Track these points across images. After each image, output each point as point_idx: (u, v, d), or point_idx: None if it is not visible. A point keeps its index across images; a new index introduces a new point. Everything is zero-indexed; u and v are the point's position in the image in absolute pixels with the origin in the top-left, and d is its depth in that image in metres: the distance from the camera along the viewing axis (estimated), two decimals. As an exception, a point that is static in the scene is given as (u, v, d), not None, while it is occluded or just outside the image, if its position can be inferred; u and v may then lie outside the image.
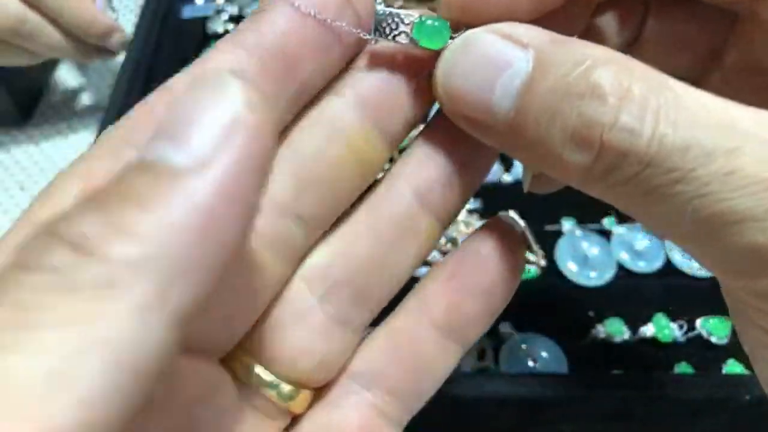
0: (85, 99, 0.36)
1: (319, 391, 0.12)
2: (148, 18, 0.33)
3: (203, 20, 0.36)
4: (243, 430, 0.11)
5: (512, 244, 0.12)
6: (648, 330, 0.25)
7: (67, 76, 0.37)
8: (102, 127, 0.28)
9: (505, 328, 0.26)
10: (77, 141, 0.34)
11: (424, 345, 0.12)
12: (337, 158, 0.11)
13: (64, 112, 0.36)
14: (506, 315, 0.26)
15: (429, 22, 0.11)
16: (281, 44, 0.10)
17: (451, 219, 0.12)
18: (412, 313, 0.12)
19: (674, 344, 0.25)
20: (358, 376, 0.12)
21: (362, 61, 0.11)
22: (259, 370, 0.11)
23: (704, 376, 0.23)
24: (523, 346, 0.25)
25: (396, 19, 0.11)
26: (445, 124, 0.11)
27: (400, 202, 0.12)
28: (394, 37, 0.11)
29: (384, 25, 0.11)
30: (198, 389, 0.11)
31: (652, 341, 0.25)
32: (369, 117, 0.11)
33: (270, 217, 0.11)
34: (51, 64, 0.37)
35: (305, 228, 0.11)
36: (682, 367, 0.25)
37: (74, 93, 0.37)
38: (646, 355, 0.25)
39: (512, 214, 0.11)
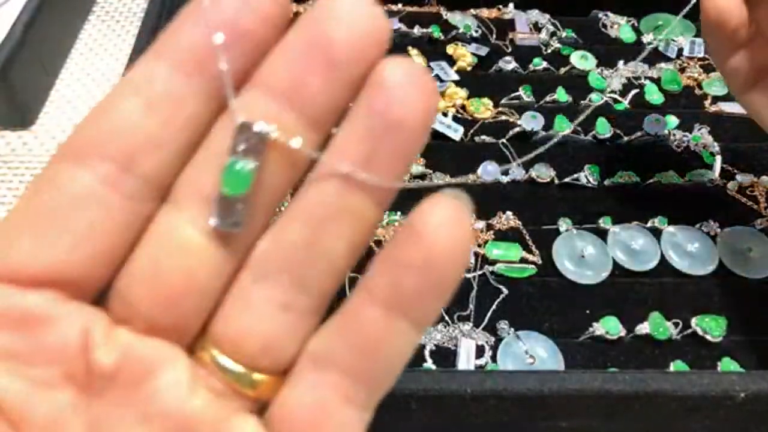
0: (90, 101, 0.37)
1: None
2: (150, 20, 0.33)
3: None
4: (204, 406, 0.12)
5: (452, 214, 0.11)
6: (643, 328, 0.26)
7: (71, 77, 0.38)
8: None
9: (503, 326, 0.26)
10: (81, 142, 0.35)
11: (371, 325, 0.11)
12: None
13: (69, 113, 0.36)
14: (504, 313, 0.26)
15: (238, 165, 0.11)
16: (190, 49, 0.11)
17: (386, 197, 0.12)
18: (359, 295, 0.12)
19: (669, 342, 0.26)
20: (311, 360, 0.12)
21: None
22: (214, 352, 0.12)
23: (699, 373, 0.23)
24: (520, 344, 0.25)
25: (250, 133, 0.11)
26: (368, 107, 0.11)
27: (327, 184, 0.11)
28: (252, 153, 0.11)
29: (242, 140, 0.11)
30: (153, 362, 0.12)
31: (648, 339, 0.26)
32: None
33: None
34: (55, 66, 0.38)
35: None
36: (678, 365, 0.25)
37: (79, 95, 0.37)
38: (641, 353, 0.26)
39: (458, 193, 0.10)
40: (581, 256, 0.28)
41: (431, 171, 0.31)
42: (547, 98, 0.34)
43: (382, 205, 0.12)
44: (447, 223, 0.11)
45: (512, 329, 0.26)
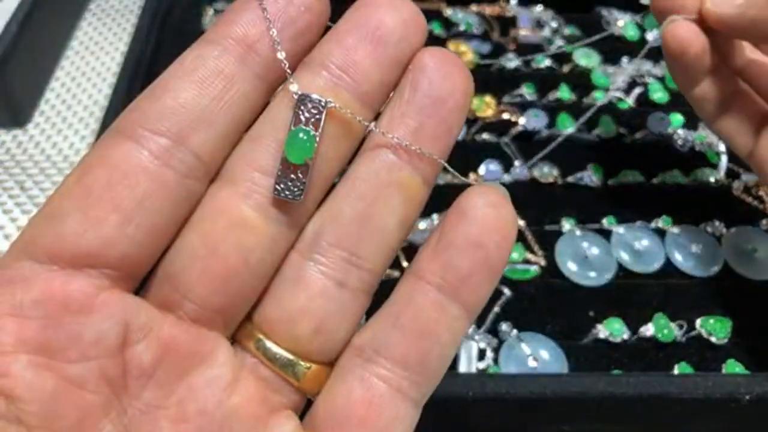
0: (86, 100, 0.36)
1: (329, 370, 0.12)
2: (147, 18, 0.33)
3: (201, 20, 0.36)
4: (243, 403, 0.12)
5: (496, 199, 0.12)
6: (648, 330, 0.25)
7: (66, 77, 0.37)
8: (102, 128, 0.28)
9: (505, 328, 0.26)
10: (77, 141, 0.34)
11: (424, 310, 0.12)
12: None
13: (64, 113, 0.36)
14: (506, 315, 0.26)
15: (301, 135, 0.11)
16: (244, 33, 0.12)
17: (432, 175, 0.12)
18: (409, 281, 0.12)
19: (674, 344, 0.25)
20: (361, 350, 0.12)
21: None
22: (261, 338, 0.12)
23: (704, 376, 0.23)
24: (523, 346, 0.25)
25: (310, 104, 0.12)
26: (418, 83, 0.12)
27: (378, 158, 0.12)
28: (311, 123, 0.12)
29: (303, 111, 0.12)
30: (194, 356, 0.11)
31: (652, 341, 0.25)
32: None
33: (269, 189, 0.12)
34: (50, 65, 0.37)
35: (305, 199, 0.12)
36: (682, 367, 0.25)
37: (74, 94, 0.37)
38: (646, 355, 0.25)
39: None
40: (585, 256, 0.28)
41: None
42: (550, 96, 0.33)
43: (429, 182, 0.12)
44: (493, 205, 0.12)
45: (515, 331, 0.26)
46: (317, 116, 0.11)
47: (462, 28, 0.37)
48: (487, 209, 0.12)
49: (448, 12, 0.37)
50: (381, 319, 0.12)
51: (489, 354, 0.25)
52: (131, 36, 0.32)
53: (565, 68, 0.35)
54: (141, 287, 0.12)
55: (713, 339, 0.25)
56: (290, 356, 0.12)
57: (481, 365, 0.25)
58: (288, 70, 0.12)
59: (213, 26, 0.12)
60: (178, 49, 0.13)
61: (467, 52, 0.35)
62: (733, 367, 0.25)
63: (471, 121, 0.33)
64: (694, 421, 0.23)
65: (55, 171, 0.33)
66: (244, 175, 0.12)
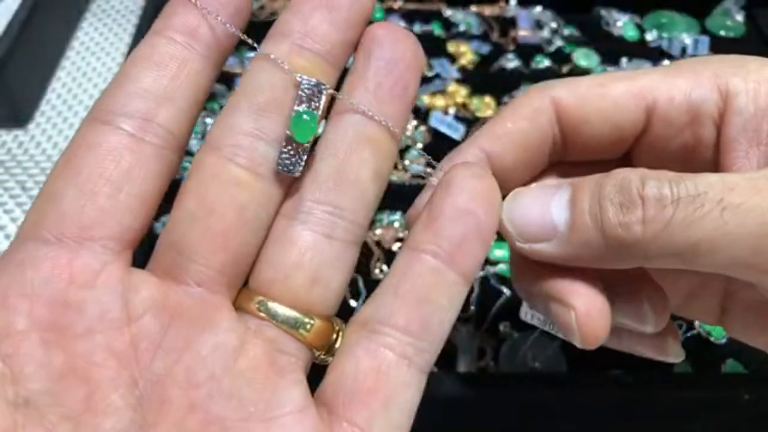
0: (87, 100, 0.36)
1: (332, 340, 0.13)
2: (147, 18, 0.33)
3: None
4: (251, 366, 0.12)
5: (479, 171, 0.13)
6: (647, 330, 0.25)
7: (67, 77, 0.37)
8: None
9: (505, 327, 0.26)
10: (78, 141, 0.34)
11: (422, 276, 0.12)
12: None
13: (65, 113, 0.36)
14: (506, 315, 0.26)
15: (305, 116, 0.13)
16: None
17: (399, 128, 0.14)
18: (406, 254, 0.13)
19: (674, 344, 0.25)
20: (365, 323, 0.13)
21: None
22: (262, 299, 0.13)
23: (703, 375, 0.23)
24: (523, 346, 0.25)
25: (315, 89, 0.13)
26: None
27: (346, 119, 0.13)
28: (314, 106, 0.13)
29: (305, 94, 0.13)
30: (199, 321, 0.12)
31: (652, 341, 0.25)
32: None
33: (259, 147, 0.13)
34: (51, 65, 0.37)
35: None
36: (682, 367, 0.25)
37: (75, 94, 0.37)
38: (645, 354, 0.25)
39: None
40: (584, 256, 0.28)
41: (432, 169, 0.30)
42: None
43: (395, 136, 0.14)
44: (478, 176, 0.13)
45: (514, 331, 0.26)
46: (317, 97, 0.13)
47: (462, 28, 0.37)
48: (472, 180, 0.13)
49: (448, 12, 0.37)
50: (381, 292, 0.13)
51: (489, 353, 0.25)
52: (132, 36, 0.32)
53: (564, 68, 0.35)
54: (147, 259, 0.13)
55: (712, 338, 0.25)
56: (293, 312, 0.12)
57: (481, 365, 0.25)
58: (255, 45, 0.13)
59: (157, 19, 0.13)
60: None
61: (467, 52, 0.35)
62: (732, 366, 0.25)
63: (471, 121, 0.33)
64: (694, 420, 0.23)
65: (56, 171, 0.33)
66: (227, 141, 0.13)
